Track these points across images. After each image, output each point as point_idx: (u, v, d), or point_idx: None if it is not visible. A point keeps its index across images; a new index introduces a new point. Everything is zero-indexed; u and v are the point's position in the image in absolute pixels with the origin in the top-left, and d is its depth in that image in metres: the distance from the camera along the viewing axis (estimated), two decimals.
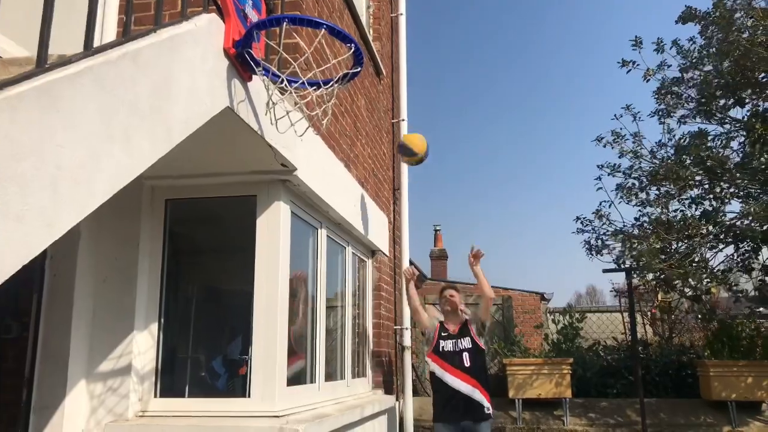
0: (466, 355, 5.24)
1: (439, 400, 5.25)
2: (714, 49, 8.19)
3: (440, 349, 5.33)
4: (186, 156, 3.17)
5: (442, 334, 5.41)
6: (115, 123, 1.84)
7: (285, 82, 2.61)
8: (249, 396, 3.52)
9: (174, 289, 3.83)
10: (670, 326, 10.17)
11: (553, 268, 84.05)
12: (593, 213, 8.37)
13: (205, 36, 2.47)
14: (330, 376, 4.75)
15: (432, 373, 5.38)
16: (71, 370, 3.30)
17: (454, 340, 5.31)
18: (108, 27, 3.58)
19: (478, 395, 5.11)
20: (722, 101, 8.37)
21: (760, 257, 7.92)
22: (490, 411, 5.16)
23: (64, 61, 1.70)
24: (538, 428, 7.61)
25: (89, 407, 3.37)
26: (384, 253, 6.49)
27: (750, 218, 7.08)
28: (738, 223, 7.37)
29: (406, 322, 6.82)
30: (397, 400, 6.62)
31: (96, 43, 1.86)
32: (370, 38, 6.67)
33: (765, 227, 7.34)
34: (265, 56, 2.94)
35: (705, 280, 7.74)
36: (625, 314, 9.91)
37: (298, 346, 4.21)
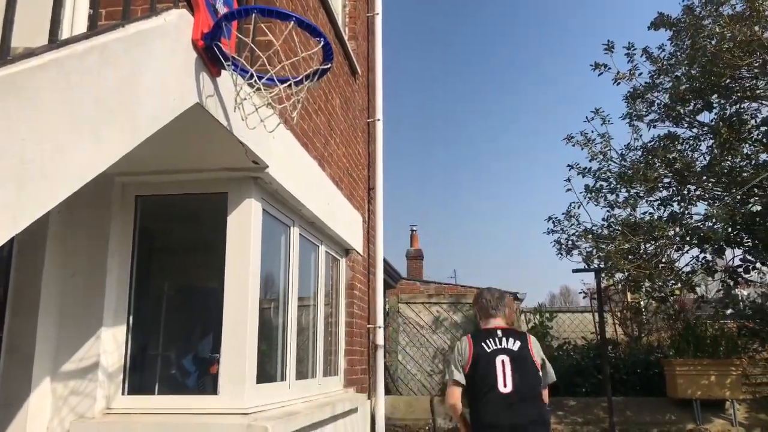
0: None
1: None
2: (684, 54, 8.37)
3: None
4: (156, 152, 3.16)
5: None
6: (81, 117, 1.83)
7: (254, 77, 2.61)
8: (218, 393, 3.51)
9: (144, 286, 3.81)
10: (639, 326, 10.35)
11: (527, 268, 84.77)
12: (563, 214, 8.51)
13: (174, 31, 2.46)
14: (301, 375, 4.75)
15: None
16: (36, 366, 3.26)
17: None
18: (78, 21, 3.54)
19: None
20: (691, 105, 8.55)
21: (723, 259, 8.11)
22: None
23: (28, 54, 1.68)
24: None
25: (54, 405, 3.33)
26: (358, 252, 6.51)
27: (713, 220, 7.24)
28: (702, 225, 7.52)
29: (379, 320, 6.84)
30: (369, 398, 6.64)
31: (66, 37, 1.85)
32: (346, 37, 6.68)
33: (728, 229, 7.52)
34: (236, 52, 2.94)
35: (670, 282, 7.89)
36: (596, 314, 10.06)
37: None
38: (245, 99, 2.81)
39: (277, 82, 2.61)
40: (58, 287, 3.45)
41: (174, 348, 4.18)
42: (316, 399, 4.91)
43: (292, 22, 2.50)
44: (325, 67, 2.72)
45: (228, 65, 2.67)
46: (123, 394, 3.55)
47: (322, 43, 2.59)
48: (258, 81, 2.58)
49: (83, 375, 3.39)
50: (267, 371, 4.13)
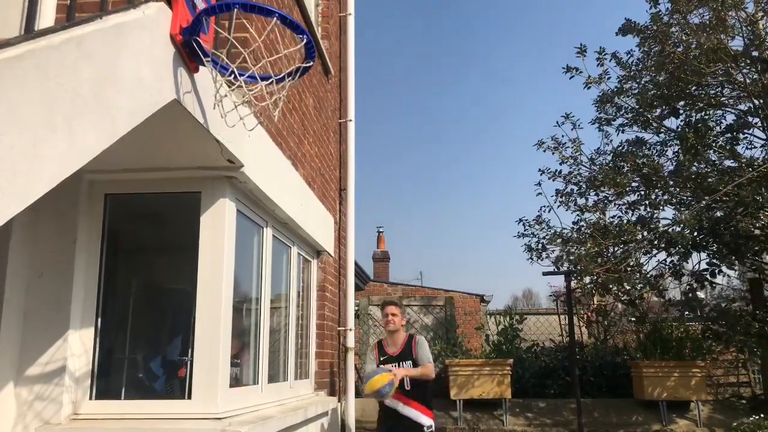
0: (406, 379, 5.16)
1: (383, 422, 5.36)
2: (651, 61, 8.52)
3: None
4: (128, 149, 3.05)
5: (382, 357, 5.39)
6: (57, 111, 1.75)
7: (234, 74, 2.55)
8: (190, 398, 3.42)
9: (112, 288, 3.69)
10: (605, 328, 10.48)
11: (490, 270, 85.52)
12: (534, 219, 8.58)
13: (153, 25, 2.39)
14: (273, 378, 4.68)
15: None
16: (0, 371, 3.13)
17: (394, 364, 5.25)
18: (46, 11, 3.42)
19: (420, 417, 5.13)
20: (658, 111, 8.71)
21: (689, 263, 8.27)
22: (432, 429, 5.20)
23: (2, 44, 1.60)
24: (478, 428, 7.72)
25: (18, 411, 3.20)
26: (329, 254, 6.45)
27: (681, 225, 7.38)
28: (670, 229, 7.66)
29: (350, 323, 6.79)
30: (339, 401, 6.58)
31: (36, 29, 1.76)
32: (319, 36, 6.62)
33: (695, 234, 7.67)
34: (214, 48, 2.87)
35: (638, 285, 8.01)
36: (563, 317, 10.16)
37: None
38: (225, 96, 2.74)
39: (259, 80, 2.55)
40: (23, 288, 3.32)
41: (142, 351, 4.07)
42: (289, 402, 4.85)
43: (275, 19, 2.44)
44: (307, 65, 2.67)
45: (207, 61, 2.60)
46: (90, 398, 3.43)
47: (304, 41, 2.54)
48: (239, 78, 2.51)
49: (49, 379, 3.27)
50: (239, 375, 4.05)
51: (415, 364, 5.20)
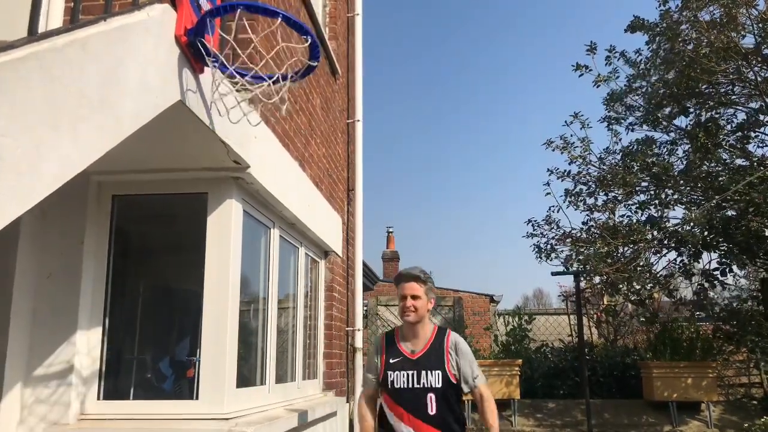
0: (431, 398, 3.18)
1: None
2: (660, 59, 8.46)
3: (388, 384, 3.25)
4: (134, 150, 3.07)
5: (391, 360, 3.31)
6: (61, 112, 1.76)
7: (239, 74, 2.55)
8: (197, 398, 3.43)
9: (120, 288, 3.71)
10: (615, 328, 10.43)
11: (500, 270, 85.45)
12: (543, 219, 8.56)
13: (157, 26, 2.39)
14: (281, 378, 4.68)
15: (380, 408, 3.37)
16: (8, 371, 3.15)
17: (411, 372, 3.23)
18: (54, 14, 3.44)
19: None
20: (668, 110, 8.65)
21: (699, 263, 8.21)
22: None
23: (6, 46, 1.61)
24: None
25: (27, 411, 3.23)
26: (337, 254, 6.45)
27: (691, 224, 7.32)
28: (680, 228, 7.60)
29: (358, 323, 6.79)
30: (347, 402, 6.58)
31: (41, 31, 1.77)
32: (326, 37, 6.62)
33: (705, 233, 7.61)
34: (219, 49, 2.87)
35: (648, 285, 7.97)
36: (572, 317, 10.11)
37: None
38: (225, 95, 2.75)
39: (266, 78, 2.55)
40: (32, 289, 3.34)
41: (150, 351, 4.09)
42: (296, 403, 4.85)
43: (279, 19, 2.44)
44: (312, 64, 2.67)
45: (212, 62, 2.60)
46: (98, 398, 3.44)
47: (308, 42, 2.54)
48: (242, 78, 2.51)
49: (57, 379, 3.29)
50: (246, 375, 4.06)
51: (446, 378, 3.22)
